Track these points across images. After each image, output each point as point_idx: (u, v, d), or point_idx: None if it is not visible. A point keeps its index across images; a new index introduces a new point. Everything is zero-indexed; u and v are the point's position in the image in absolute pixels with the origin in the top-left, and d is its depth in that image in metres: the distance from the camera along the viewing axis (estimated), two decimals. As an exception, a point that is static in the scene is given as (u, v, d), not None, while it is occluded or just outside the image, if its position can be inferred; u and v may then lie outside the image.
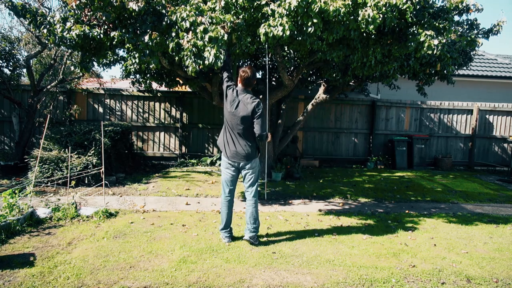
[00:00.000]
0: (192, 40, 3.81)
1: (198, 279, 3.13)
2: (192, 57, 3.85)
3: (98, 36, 4.24)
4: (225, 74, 3.99)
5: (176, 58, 4.13)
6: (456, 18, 5.60)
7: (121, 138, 7.51)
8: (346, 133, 10.03)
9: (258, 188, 4.01)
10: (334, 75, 6.38)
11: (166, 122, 9.31)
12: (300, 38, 4.38)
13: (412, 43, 4.39)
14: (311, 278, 3.24)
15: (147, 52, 4.21)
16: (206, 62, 3.76)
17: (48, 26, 4.44)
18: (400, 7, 4.04)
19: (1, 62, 7.56)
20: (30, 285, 2.92)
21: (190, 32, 3.88)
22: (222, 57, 3.74)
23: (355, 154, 10.12)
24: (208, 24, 3.84)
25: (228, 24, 3.98)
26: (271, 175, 7.47)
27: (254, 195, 3.97)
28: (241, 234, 4.19)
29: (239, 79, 3.88)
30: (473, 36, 4.90)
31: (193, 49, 3.83)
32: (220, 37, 3.75)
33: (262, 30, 4.04)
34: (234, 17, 4.15)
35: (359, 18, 4.00)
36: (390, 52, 4.92)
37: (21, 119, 8.08)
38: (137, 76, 7.59)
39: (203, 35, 3.77)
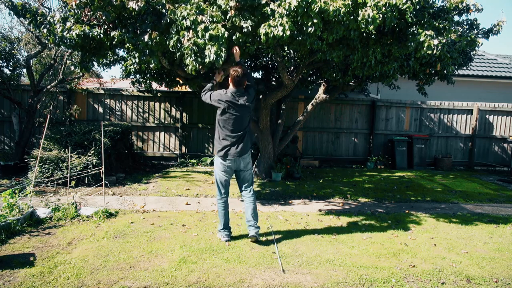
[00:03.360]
0: (193, 38, 3.81)
1: (198, 279, 3.13)
2: (193, 55, 3.85)
3: (98, 36, 4.24)
4: (209, 85, 4.04)
5: (177, 55, 4.13)
6: (456, 18, 5.60)
7: (121, 138, 7.51)
8: (346, 133, 10.02)
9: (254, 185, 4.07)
10: (334, 75, 6.37)
11: (166, 122, 9.31)
12: (300, 38, 4.38)
13: (412, 43, 4.39)
14: (311, 278, 3.24)
15: (147, 51, 4.22)
16: (207, 60, 3.76)
17: (48, 26, 4.44)
18: (400, 7, 4.04)
19: (1, 62, 7.56)
20: (30, 285, 2.92)
21: (191, 30, 3.88)
22: (223, 54, 3.75)
23: (355, 154, 10.12)
24: (209, 23, 3.84)
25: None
26: (271, 175, 7.47)
27: (253, 192, 4.13)
28: (241, 234, 4.20)
29: (230, 78, 3.85)
30: (473, 36, 4.90)
31: (194, 47, 3.83)
32: (220, 35, 3.75)
33: (262, 30, 4.04)
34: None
35: (359, 18, 4.01)
36: (390, 52, 4.92)
37: (21, 119, 8.07)
38: (137, 76, 7.59)
39: (204, 33, 3.77)
